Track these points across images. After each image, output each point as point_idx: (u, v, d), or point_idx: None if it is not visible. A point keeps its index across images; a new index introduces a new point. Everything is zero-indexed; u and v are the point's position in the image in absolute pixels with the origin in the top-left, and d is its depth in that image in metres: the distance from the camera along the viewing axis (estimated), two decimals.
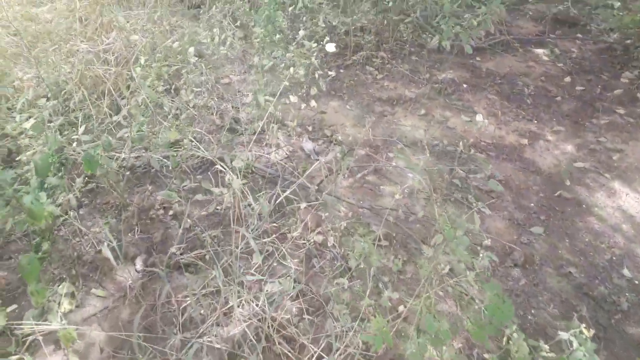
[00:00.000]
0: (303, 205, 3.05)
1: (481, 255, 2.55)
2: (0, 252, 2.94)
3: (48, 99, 3.60)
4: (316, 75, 3.74)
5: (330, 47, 3.21)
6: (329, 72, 4.61)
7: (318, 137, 4.15)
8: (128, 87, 4.19)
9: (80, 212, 3.22)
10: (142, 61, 3.51)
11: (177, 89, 4.28)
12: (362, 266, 2.47)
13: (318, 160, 3.88)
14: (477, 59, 5.40)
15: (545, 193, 3.70)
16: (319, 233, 3.08)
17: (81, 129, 2.78)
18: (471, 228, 2.55)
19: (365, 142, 4.13)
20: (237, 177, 2.92)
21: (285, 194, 3.07)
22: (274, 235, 3.01)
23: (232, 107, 4.38)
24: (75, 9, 5.03)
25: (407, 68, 5.13)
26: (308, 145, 4.03)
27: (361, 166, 3.83)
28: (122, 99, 4.06)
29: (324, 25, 3.46)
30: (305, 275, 2.84)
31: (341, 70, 5.10)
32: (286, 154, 3.90)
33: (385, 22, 5.40)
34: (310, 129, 4.24)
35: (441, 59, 5.34)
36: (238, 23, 5.60)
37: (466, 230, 2.88)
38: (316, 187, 3.41)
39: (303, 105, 4.35)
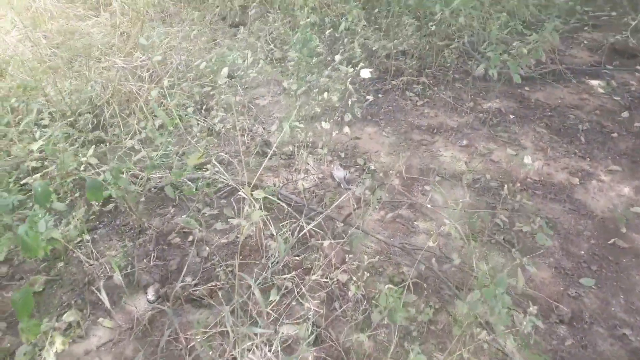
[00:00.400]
0: (326, 242, 2.83)
1: (524, 316, 2.25)
2: (13, 271, 2.84)
3: (69, 115, 3.54)
4: (349, 102, 3.54)
5: (365, 73, 3.02)
6: (367, 97, 4.42)
7: (350, 165, 3.94)
8: (160, 104, 4.12)
9: (98, 233, 3.11)
10: (166, 82, 3.41)
11: (208, 109, 4.17)
12: (386, 322, 2.22)
13: (349, 189, 3.67)
14: (526, 88, 5.09)
15: (597, 240, 3.34)
16: (343, 271, 2.85)
17: (90, 151, 2.65)
18: (513, 284, 2.26)
19: (401, 171, 3.89)
20: (259, 207, 2.73)
21: (308, 227, 2.87)
22: (294, 272, 2.80)
23: (264, 129, 4.23)
24: (116, 24, 5.04)
25: (449, 95, 4.87)
26: (339, 173, 3.82)
27: (394, 201, 3.58)
28: (142, 120, 3.98)
29: (360, 50, 3.28)
30: (325, 319, 2.61)
31: (379, 95, 4.90)
32: (315, 181, 3.71)
33: (428, 46, 5.17)
34: (342, 155, 4.03)
35: (487, 87, 5.06)
36: (276, 43, 5.50)
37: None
38: (343, 221, 3.19)
39: (335, 132, 4.15)
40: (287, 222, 3.21)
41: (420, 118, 4.59)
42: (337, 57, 3.12)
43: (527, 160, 2.84)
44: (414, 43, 5.19)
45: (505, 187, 3.49)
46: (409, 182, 3.80)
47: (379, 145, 4.22)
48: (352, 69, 3.29)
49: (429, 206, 3.54)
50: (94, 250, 2.92)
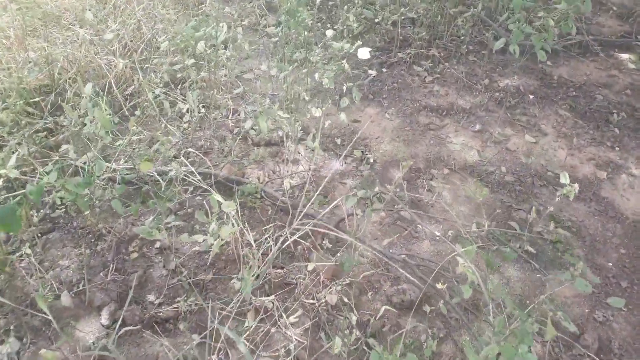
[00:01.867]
0: (311, 264, 2.40)
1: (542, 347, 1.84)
2: None
3: (24, 95, 3.07)
4: (345, 86, 3.04)
5: (363, 53, 2.52)
6: (369, 71, 3.89)
7: (347, 154, 3.47)
8: (133, 81, 3.63)
9: (52, 237, 2.70)
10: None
11: (184, 87, 3.68)
12: None
13: (344, 184, 3.22)
14: (548, 63, 4.53)
15: (628, 249, 2.90)
16: (332, 291, 2.43)
17: (12, 160, 2.16)
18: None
19: (404, 160, 3.42)
20: (235, 212, 2.29)
21: (293, 238, 2.43)
22: (274, 294, 2.38)
23: (251, 111, 3.74)
24: None
25: (462, 71, 4.34)
26: (333, 165, 3.36)
27: (396, 196, 3.13)
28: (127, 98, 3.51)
29: (357, 24, 2.76)
30: (309, 353, 2.21)
31: (383, 69, 4.36)
32: (305, 175, 3.25)
33: (440, 14, 4.58)
34: (338, 142, 3.56)
35: (504, 61, 4.51)
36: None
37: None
38: (336, 226, 2.76)
39: (328, 122, 3.66)
40: (270, 226, 2.77)
41: (428, 97, 4.08)
42: (329, 32, 2.62)
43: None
44: (423, 10, 4.61)
45: (533, 210, 3.02)
46: (413, 174, 3.33)
47: (381, 129, 3.73)
48: (348, 45, 2.78)
49: (435, 199, 3.09)
50: (44, 258, 2.51)
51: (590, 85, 4.26)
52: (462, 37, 4.60)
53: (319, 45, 2.75)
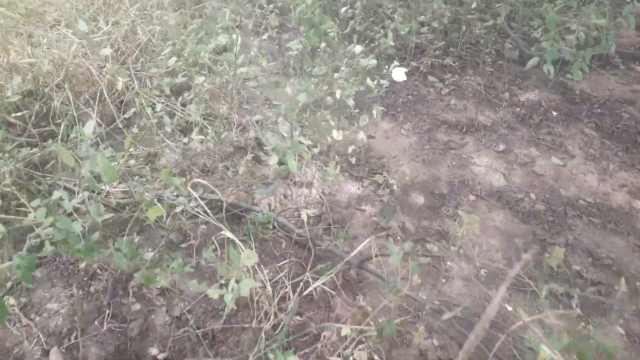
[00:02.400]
0: (337, 304, 2.11)
1: None
2: None
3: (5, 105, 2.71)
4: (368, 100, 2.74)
5: (400, 75, 2.23)
6: (381, 81, 3.60)
7: (363, 175, 3.17)
8: (126, 89, 3.27)
9: (38, 275, 2.36)
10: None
11: (185, 98, 3.33)
12: None
13: (362, 210, 2.93)
14: (568, 75, 4.28)
15: None
16: (360, 346, 2.15)
17: None
18: None
19: (426, 185, 3.14)
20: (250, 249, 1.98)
21: (319, 283, 2.15)
22: (295, 354, 2.09)
23: (256, 122, 3.42)
24: None
25: (480, 82, 4.07)
26: (349, 189, 3.07)
27: (419, 231, 2.86)
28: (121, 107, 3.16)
29: (392, 40, 2.46)
30: None
31: (382, 62, 4.06)
32: (320, 197, 2.95)
33: (455, 20, 4.29)
34: (353, 161, 3.26)
35: (523, 72, 4.25)
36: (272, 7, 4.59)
37: None
38: (359, 266, 2.47)
39: (342, 133, 3.37)
40: (286, 262, 2.48)
41: (446, 111, 3.80)
42: (358, 48, 2.32)
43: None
44: (437, 14, 4.31)
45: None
46: (436, 200, 3.06)
47: (398, 147, 3.44)
48: (374, 61, 2.48)
49: (464, 232, 2.82)
50: (29, 302, 2.18)
51: (614, 101, 4.03)
52: (480, 46, 4.33)
53: (344, 62, 2.46)
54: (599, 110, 3.91)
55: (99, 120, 3.12)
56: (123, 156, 2.93)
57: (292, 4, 4.64)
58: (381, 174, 3.18)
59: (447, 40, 4.37)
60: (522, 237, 2.88)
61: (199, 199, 2.22)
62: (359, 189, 3.09)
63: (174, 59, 2.50)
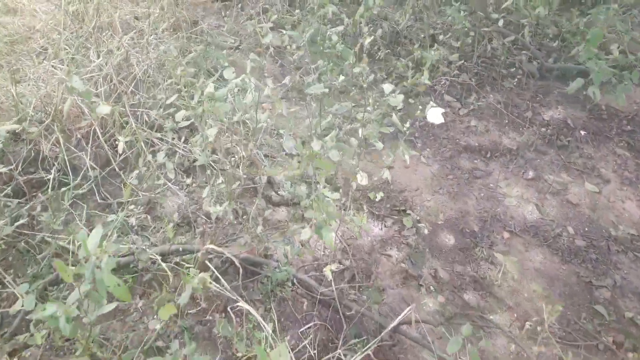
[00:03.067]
0: None
1: None
2: None
3: None
4: (400, 142, 2.46)
5: (436, 116, 1.96)
6: (413, 120, 3.34)
7: (385, 214, 2.90)
8: (122, 126, 2.98)
9: (25, 356, 2.06)
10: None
11: (188, 136, 3.05)
12: None
13: (387, 256, 2.66)
14: (591, 89, 4.03)
15: None
16: None
17: None
18: None
19: (455, 222, 2.88)
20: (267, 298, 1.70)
21: None
22: None
23: (265, 157, 3.14)
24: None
25: (500, 100, 3.81)
26: (371, 229, 2.80)
27: (454, 273, 2.59)
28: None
29: (427, 81, 2.18)
30: None
31: (410, 100, 3.80)
32: (342, 243, 2.67)
33: (470, 32, 4.02)
34: (371, 195, 2.98)
35: (544, 87, 3.99)
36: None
37: None
38: (395, 330, 2.19)
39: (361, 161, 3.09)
40: (309, 326, 2.20)
41: (466, 134, 3.53)
42: (387, 87, 2.05)
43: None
44: (452, 27, 4.05)
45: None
46: (468, 239, 2.79)
47: (419, 178, 3.17)
48: (401, 97, 2.20)
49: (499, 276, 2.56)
50: None
51: None
52: (496, 59, 4.06)
53: (369, 99, 2.18)
54: (628, 127, 3.65)
55: (92, 163, 2.83)
56: (122, 208, 2.65)
57: (294, 21, 4.38)
58: (404, 210, 2.91)
59: (459, 54, 4.11)
60: (564, 279, 2.61)
61: (211, 267, 1.94)
62: (382, 229, 2.82)
63: (174, 97, 2.22)
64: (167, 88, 2.86)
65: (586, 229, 2.90)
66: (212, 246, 1.86)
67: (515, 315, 2.42)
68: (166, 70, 3.07)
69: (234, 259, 1.85)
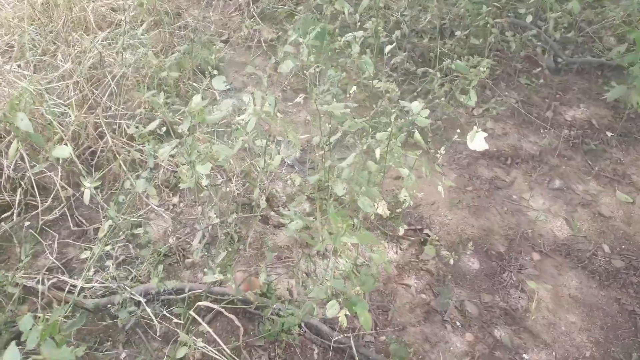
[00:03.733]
0: None
1: None
2: None
3: None
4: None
5: (480, 143, 1.63)
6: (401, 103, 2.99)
7: (400, 234, 2.57)
8: (96, 139, 2.61)
9: None
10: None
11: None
12: None
13: (406, 286, 2.34)
14: (613, 84, 3.71)
15: None
16: None
17: None
18: None
19: (478, 242, 2.56)
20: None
21: None
22: None
23: (259, 169, 2.78)
24: None
25: (517, 98, 3.48)
26: (386, 253, 2.47)
27: (482, 305, 2.27)
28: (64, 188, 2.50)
29: (473, 103, 1.86)
30: None
31: (418, 99, 3.44)
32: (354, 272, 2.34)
33: (480, 21, 3.66)
34: (396, 224, 2.64)
35: (562, 83, 3.66)
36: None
37: None
38: None
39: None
40: None
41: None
42: (416, 106, 1.72)
43: None
44: (459, 18, 3.70)
45: None
46: (494, 263, 2.48)
47: (434, 189, 2.83)
48: (426, 111, 1.87)
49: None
50: None
51: None
52: (509, 52, 3.72)
53: (391, 116, 1.84)
54: None
55: (64, 184, 2.45)
56: (102, 238, 2.29)
57: (285, 13, 3.99)
58: (421, 230, 2.59)
59: (468, 48, 3.75)
60: (605, 308, 2.31)
61: (205, 326, 1.60)
62: (396, 252, 2.49)
63: (157, 122, 1.85)
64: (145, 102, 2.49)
65: (623, 246, 2.59)
66: (205, 303, 1.53)
67: (554, 354, 2.12)
68: (147, 76, 2.69)
69: (233, 318, 1.51)
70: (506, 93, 3.53)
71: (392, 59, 3.29)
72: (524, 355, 2.10)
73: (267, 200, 2.60)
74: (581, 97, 3.56)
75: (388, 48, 2.01)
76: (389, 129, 1.79)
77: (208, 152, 1.73)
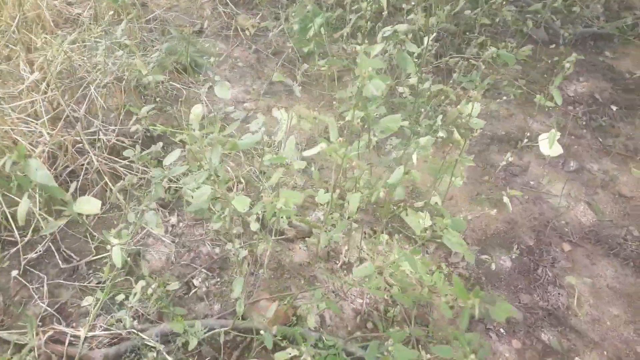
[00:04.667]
0: None
1: None
2: None
3: None
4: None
5: (554, 148, 1.44)
6: (398, 89, 2.79)
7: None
8: (74, 157, 2.28)
9: None
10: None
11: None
12: None
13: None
14: (607, 53, 3.63)
15: None
16: None
17: None
18: None
19: (504, 237, 2.41)
20: None
21: None
22: None
23: (262, 172, 2.53)
24: None
25: (515, 76, 3.32)
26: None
27: (523, 307, 2.13)
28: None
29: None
30: None
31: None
32: (386, 283, 2.15)
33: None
34: (421, 234, 2.45)
35: (556, 56, 3.53)
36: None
37: None
38: None
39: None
40: None
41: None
42: (474, 108, 1.50)
43: None
44: None
45: None
46: (525, 258, 2.33)
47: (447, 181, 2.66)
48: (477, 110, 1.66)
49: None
50: None
51: None
52: (499, 27, 3.55)
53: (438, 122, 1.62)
54: None
55: (43, 214, 2.13)
56: (92, 268, 2.00)
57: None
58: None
59: (457, 23, 3.56)
60: None
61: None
62: (424, 256, 2.31)
63: (159, 145, 1.57)
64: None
65: None
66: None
67: (606, 353, 2.00)
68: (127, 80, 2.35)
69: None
70: (503, 71, 3.37)
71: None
72: (576, 358, 1.97)
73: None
74: (579, 69, 3.44)
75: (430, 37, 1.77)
76: (434, 133, 1.58)
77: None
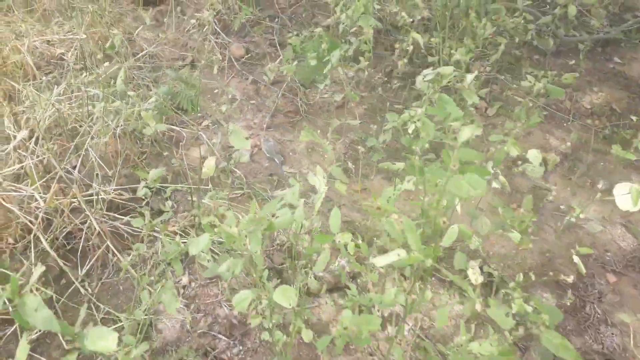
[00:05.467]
0: None
1: None
2: None
3: None
4: None
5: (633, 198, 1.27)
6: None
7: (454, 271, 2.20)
8: (70, 222, 2.06)
9: None
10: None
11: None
12: None
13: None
14: (616, 59, 3.50)
15: None
16: None
17: None
18: None
19: (541, 270, 2.24)
20: None
21: None
22: None
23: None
24: None
25: (525, 90, 3.17)
26: (443, 301, 2.10)
27: (579, 352, 1.95)
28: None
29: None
30: None
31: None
32: (421, 338, 1.96)
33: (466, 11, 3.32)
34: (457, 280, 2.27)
35: (564, 65, 3.40)
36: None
37: None
38: None
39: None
40: None
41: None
42: (535, 155, 1.33)
43: None
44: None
45: None
46: (570, 294, 2.16)
47: (475, 208, 2.49)
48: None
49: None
50: None
51: None
52: (504, 38, 3.40)
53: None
54: None
55: (38, 286, 1.91)
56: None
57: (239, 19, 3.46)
58: (480, 268, 2.23)
59: (457, 36, 3.41)
60: None
61: None
62: (453, 297, 2.13)
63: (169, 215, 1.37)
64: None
65: None
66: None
67: None
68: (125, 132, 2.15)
69: None
70: (514, 85, 3.22)
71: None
72: None
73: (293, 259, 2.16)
74: (590, 78, 3.31)
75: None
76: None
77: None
